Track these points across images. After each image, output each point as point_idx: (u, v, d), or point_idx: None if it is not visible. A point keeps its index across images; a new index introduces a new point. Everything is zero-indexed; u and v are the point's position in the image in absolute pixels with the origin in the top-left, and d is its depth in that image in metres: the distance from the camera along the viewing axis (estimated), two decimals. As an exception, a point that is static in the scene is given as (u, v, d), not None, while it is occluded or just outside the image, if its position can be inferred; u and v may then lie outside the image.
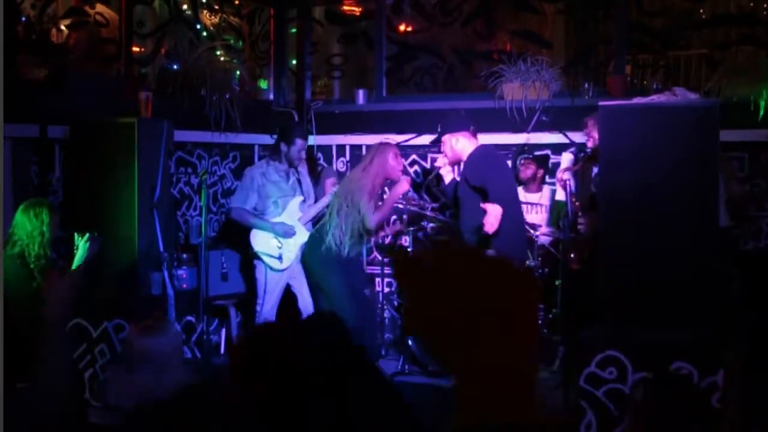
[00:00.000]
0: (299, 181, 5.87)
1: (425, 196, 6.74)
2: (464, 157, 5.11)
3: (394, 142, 5.69)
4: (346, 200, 5.42)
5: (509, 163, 6.55)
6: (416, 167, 6.84)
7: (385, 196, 5.71)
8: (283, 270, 5.74)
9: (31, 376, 3.71)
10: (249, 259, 5.87)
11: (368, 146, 5.85)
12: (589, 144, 5.46)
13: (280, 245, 5.71)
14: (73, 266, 4.18)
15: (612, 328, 4.14)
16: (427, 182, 6.48)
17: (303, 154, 5.91)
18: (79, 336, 4.81)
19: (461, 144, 5.10)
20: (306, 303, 5.78)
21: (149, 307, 5.00)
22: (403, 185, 5.57)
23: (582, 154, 5.58)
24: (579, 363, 4.13)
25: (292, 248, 5.74)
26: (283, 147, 5.77)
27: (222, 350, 5.96)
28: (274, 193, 5.74)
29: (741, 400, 4.04)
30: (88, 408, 4.60)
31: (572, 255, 5.39)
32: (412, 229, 6.22)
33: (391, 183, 5.69)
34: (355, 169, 5.70)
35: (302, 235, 5.76)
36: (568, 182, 5.04)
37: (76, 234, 4.25)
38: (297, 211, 5.80)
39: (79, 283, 4.18)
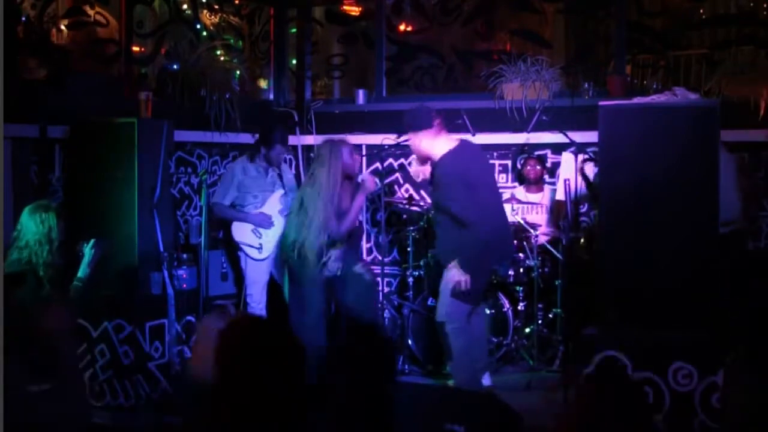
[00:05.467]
0: (280, 176, 5.95)
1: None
2: (434, 155, 4.90)
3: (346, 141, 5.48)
4: (313, 212, 5.28)
5: (509, 163, 6.57)
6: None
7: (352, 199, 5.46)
8: (263, 260, 5.83)
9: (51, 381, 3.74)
10: (235, 251, 5.95)
11: (318, 146, 5.59)
12: None
13: (259, 236, 5.81)
14: (79, 274, 4.18)
15: (612, 328, 4.14)
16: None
17: (282, 158, 6.00)
18: (79, 336, 4.82)
19: (425, 144, 4.90)
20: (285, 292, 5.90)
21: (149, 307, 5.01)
22: (369, 186, 5.40)
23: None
24: (579, 363, 4.13)
25: (272, 239, 5.82)
26: (262, 149, 5.88)
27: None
28: (252, 188, 5.85)
29: (741, 400, 4.04)
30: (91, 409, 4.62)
31: (582, 240, 5.35)
32: (411, 229, 6.22)
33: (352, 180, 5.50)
34: (312, 176, 5.44)
35: (282, 227, 5.81)
36: (567, 182, 5.03)
37: (82, 242, 4.25)
38: (277, 203, 5.86)
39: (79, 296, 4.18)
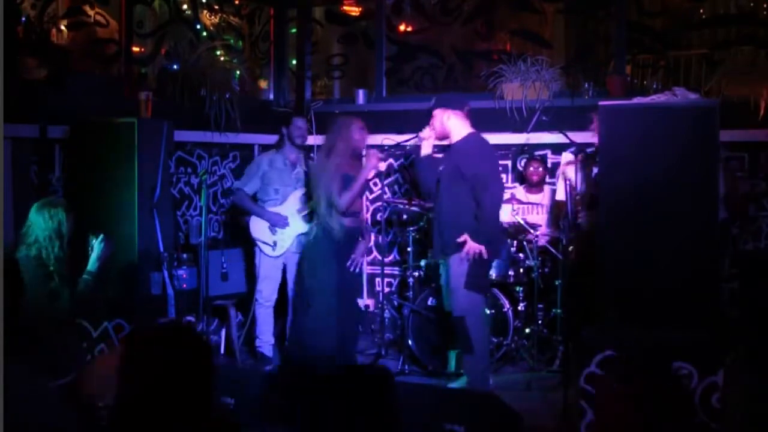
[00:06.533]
0: (306, 174, 5.95)
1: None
2: (452, 137, 5.03)
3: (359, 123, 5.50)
4: (319, 185, 5.34)
5: (509, 163, 6.58)
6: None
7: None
8: (277, 257, 5.87)
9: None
10: (251, 247, 6.00)
11: (330, 122, 5.63)
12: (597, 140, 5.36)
13: (274, 233, 5.86)
14: (89, 267, 4.18)
15: (612, 328, 4.14)
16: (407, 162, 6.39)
17: (304, 133, 6.02)
18: (79, 336, 4.82)
19: (452, 122, 5.03)
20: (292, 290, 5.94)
21: (149, 307, 5.01)
22: (373, 161, 5.35)
23: (589, 150, 5.54)
24: (579, 363, 4.13)
25: (287, 237, 5.85)
26: (283, 129, 5.99)
27: (222, 350, 5.97)
28: (275, 181, 5.89)
29: (741, 400, 4.04)
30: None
31: (571, 248, 5.34)
32: (411, 229, 6.22)
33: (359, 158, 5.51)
34: (321, 151, 5.59)
35: (299, 226, 5.84)
36: (567, 181, 5.03)
37: (90, 235, 4.25)
38: (297, 202, 5.89)
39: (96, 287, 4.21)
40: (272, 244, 5.85)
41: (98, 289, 4.28)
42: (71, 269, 4.17)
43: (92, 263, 4.19)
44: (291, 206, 5.88)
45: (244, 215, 6.05)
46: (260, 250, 5.89)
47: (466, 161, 4.90)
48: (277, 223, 5.83)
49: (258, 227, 5.88)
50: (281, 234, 5.84)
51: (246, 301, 6.07)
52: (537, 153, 6.38)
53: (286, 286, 5.97)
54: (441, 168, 5.11)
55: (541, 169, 6.26)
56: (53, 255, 4.04)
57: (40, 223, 4.06)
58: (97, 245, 4.22)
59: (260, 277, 5.90)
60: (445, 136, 5.09)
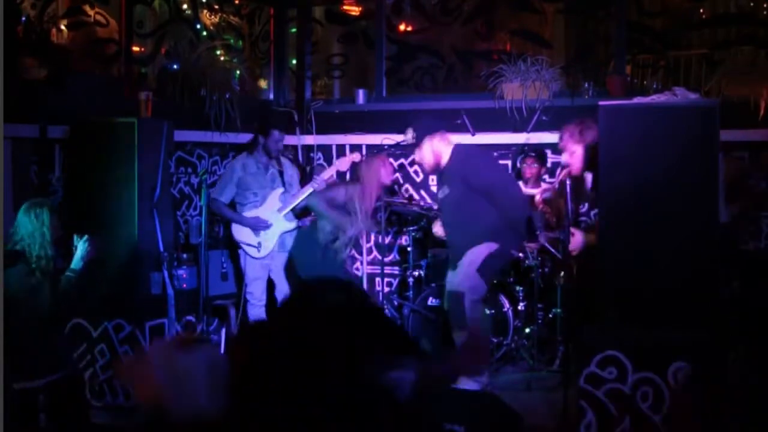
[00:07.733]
0: (280, 173, 5.95)
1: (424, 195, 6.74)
2: (443, 159, 5.03)
3: (385, 145, 5.72)
4: (352, 217, 5.56)
5: (509, 162, 6.57)
6: (416, 167, 6.84)
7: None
8: (262, 258, 5.87)
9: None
10: (235, 249, 6.01)
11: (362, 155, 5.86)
12: (565, 159, 4.79)
13: (257, 234, 5.86)
14: (73, 265, 4.19)
15: (612, 328, 4.14)
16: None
17: (280, 146, 6.01)
18: (79, 336, 4.82)
19: (441, 146, 5.05)
20: (283, 290, 5.96)
21: (149, 307, 5.01)
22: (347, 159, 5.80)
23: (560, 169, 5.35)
24: (579, 363, 4.13)
25: (271, 238, 5.87)
26: (261, 139, 5.95)
27: (222, 350, 5.97)
28: (252, 185, 5.89)
29: (741, 400, 4.04)
30: (90, 408, 4.62)
31: (561, 273, 5.33)
32: (411, 229, 6.22)
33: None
34: (354, 189, 5.67)
35: (281, 225, 5.87)
36: (567, 182, 5.00)
37: (75, 236, 4.26)
38: (277, 202, 5.91)
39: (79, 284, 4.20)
40: (257, 246, 5.85)
41: (84, 287, 4.28)
42: (56, 268, 4.18)
43: (76, 262, 4.20)
44: (271, 206, 5.88)
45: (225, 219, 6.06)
46: (245, 253, 5.88)
47: (469, 174, 4.94)
48: (258, 227, 5.84)
49: (241, 231, 5.88)
50: (265, 235, 5.85)
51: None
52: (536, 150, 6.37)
53: (273, 286, 5.98)
54: (440, 196, 5.13)
55: (536, 165, 6.25)
56: (35, 254, 4.07)
57: (26, 222, 4.11)
58: (81, 245, 4.23)
59: (249, 279, 5.90)
60: (439, 164, 5.08)
